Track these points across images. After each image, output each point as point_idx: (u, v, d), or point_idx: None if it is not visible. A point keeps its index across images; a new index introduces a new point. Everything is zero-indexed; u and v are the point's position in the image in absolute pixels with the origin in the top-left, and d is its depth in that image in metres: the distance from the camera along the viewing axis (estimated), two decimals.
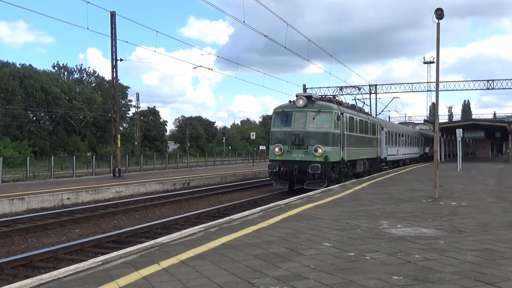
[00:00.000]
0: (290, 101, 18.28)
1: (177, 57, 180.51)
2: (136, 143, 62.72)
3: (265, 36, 24.59)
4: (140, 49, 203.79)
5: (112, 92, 25.59)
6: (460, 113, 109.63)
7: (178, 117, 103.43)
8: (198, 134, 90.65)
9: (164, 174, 26.88)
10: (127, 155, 39.87)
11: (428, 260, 5.33)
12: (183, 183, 21.15)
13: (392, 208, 9.92)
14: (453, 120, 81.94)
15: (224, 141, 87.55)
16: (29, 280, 4.59)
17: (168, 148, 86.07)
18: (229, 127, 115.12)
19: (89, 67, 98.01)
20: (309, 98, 17.83)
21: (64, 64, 74.18)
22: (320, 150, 16.73)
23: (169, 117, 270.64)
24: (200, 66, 37.36)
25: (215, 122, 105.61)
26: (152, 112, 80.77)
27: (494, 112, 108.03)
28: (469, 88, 46.94)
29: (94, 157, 36.89)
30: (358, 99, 28.47)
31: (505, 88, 41.15)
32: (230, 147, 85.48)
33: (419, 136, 41.69)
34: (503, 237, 6.75)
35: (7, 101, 54.58)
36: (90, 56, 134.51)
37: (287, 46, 25.66)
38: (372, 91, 43.28)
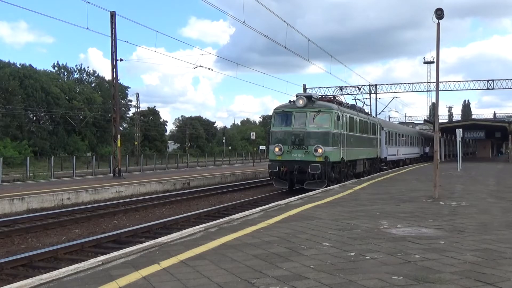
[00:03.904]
0: (290, 101, 18.28)
1: (178, 57, 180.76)
2: (136, 143, 62.73)
3: (265, 36, 24.66)
4: (140, 49, 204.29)
5: (112, 92, 25.60)
6: (460, 113, 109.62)
7: (178, 117, 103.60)
8: (198, 134, 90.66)
9: (164, 174, 26.88)
10: (127, 155, 39.87)
11: (428, 260, 5.33)
12: (183, 183, 21.15)
13: (392, 208, 9.92)
14: (453, 120, 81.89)
15: (224, 141, 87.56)
16: (29, 280, 4.59)
17: (168, 148, 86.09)
18: (229, 127, 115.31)
19: (88, 67, 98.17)
20: (309, 98, 17.83)
21: (64, 64, 74.35)
22: (320, 150, 16.73)
23: (170, 117, 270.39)
24: (200, 66, 37.51)
25: (215, 122, 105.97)
26: (152, 112, 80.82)
27: (494, 112, 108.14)
28: (469, 88, 46.91)
29: (94, 157, 36.88)
30: (358, 99, 28.45)
31: (505, 88, 41.18)
32: (230, 147, 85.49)
33: (419, 136, 41.69)
34: (503, 237, 6.75)
35: (7, 101, 54.58)
36: (91, 56, 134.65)
37: (287, 46, 25.72)
38: (372, 91, 43.30)
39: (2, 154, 40.29)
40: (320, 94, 27.96)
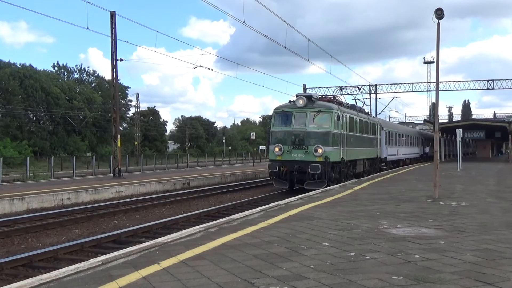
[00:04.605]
0: (290, 101, 18.27)
1: (178, 57, 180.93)
2: (136, 143, 62.72)
3: (265, 36, 24.66)
4: (140, 49, 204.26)
5: (112, 92, 25.60)
6: (460, 113, 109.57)
7: (178, 117, 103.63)
8: (198, 134, 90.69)
9: (164, 174, 26.88)
10: (127, 155, 39.84)
11: (428, 260, 5.33)
12: (183, 183, 21.15)
13: (392, 208, 9.92)
14: (453, 120, 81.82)
15: (224, 141, 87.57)
16: (29, 280, 4.59)
17: (168, 148, 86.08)
18: (229, 127, 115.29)
19: (88, 67, 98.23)
20: (309, 98, 17.82)
21: (64, 64, 74.39)
22: (320, 150, 16.73)
23: (170, 117, 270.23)
24: (200, 66, 37.47)
25: (215, 122, 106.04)
26: (152, 112, 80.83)
27: (494, 112, 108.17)
28: (469, 88, 46.80)
29: (94, 157, 36.86)
30: (358, 99, 28.48)
31: (505, 88, 41.14)
32: (230, 147, 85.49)
33: (419, 136, 41.69)
34: (503, 237, 6.75)
35: (7, 101, 54.59)
36: (91, 56, 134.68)
37: (287, 46, 25.71)
38: (372, 91, 43.29)
39: (2, 154, 40.30)
40: (320, 94, 27.96)
